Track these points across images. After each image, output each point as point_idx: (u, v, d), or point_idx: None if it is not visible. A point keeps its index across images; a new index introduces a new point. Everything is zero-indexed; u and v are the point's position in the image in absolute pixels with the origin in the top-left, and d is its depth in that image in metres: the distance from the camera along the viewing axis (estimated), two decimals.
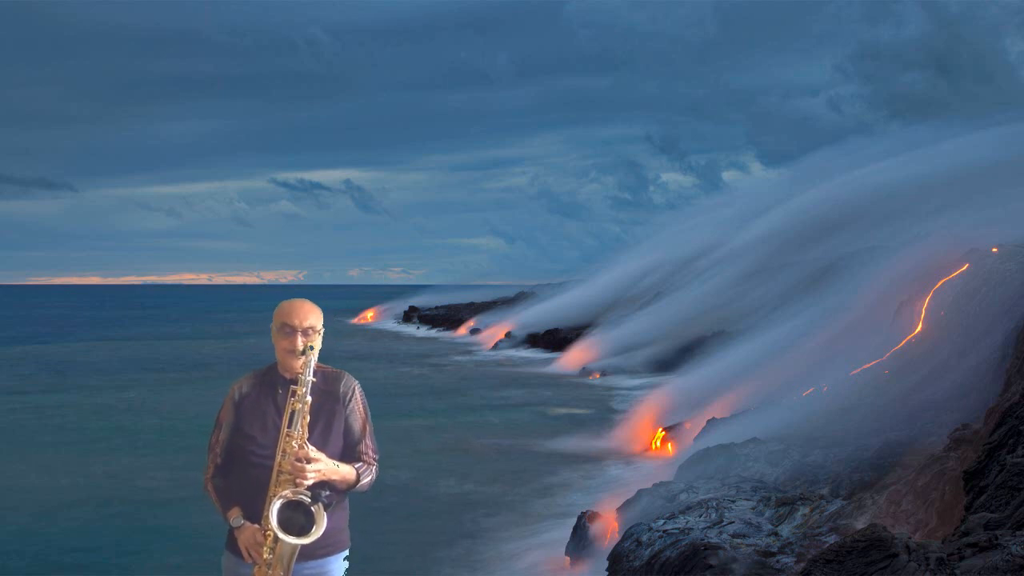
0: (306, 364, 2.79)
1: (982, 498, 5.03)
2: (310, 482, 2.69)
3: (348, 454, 2.93)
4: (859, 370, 10.56)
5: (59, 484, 9.88)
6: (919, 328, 10.41)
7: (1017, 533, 4.14)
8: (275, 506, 2.63)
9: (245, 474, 2.83)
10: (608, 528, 7.05)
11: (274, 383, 2.92)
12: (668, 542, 5.87)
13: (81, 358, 27.54)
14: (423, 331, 43.84)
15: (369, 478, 2.92)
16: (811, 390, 11.46)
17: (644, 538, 6.05)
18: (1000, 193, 14.84)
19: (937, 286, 10.64)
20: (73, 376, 22.19)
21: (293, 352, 2.83)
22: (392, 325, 50.39)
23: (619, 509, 7.42)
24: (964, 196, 16.24)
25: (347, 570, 3.04)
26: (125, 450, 12.11)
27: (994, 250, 10.61)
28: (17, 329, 45.66)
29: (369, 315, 59.39)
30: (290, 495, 2.66)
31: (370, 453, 2.96)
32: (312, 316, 2.88)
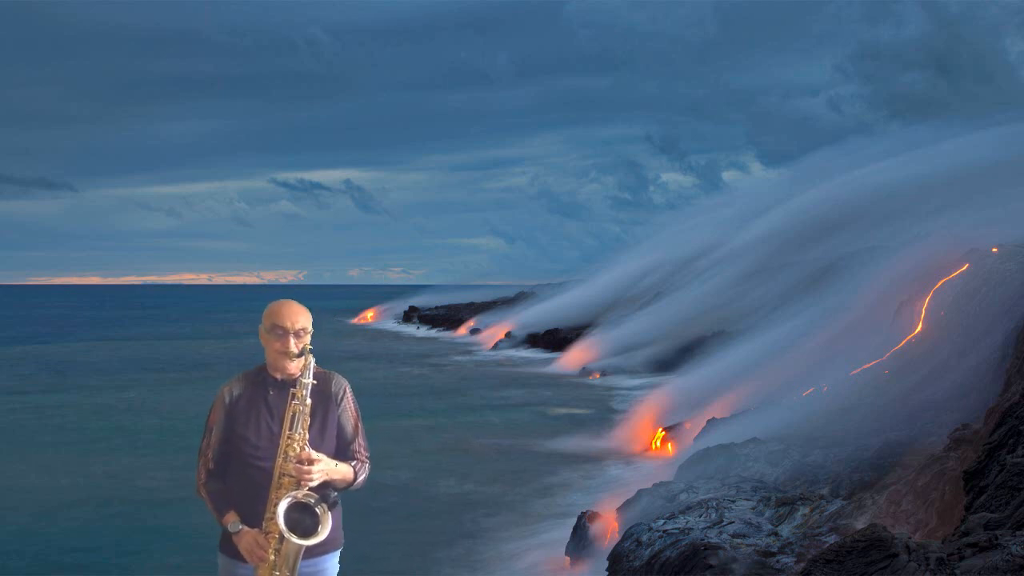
0: (306, 367, 2.79)
1: (982, 498, 5.03)
2: (314, 483, 2.70)
3: (341, 453, 2.94)
4: (859, 370, 10.57)
5: (59, 484, 9.88)
6: (919, 328, 10.42)
7: (1017, 533, 4.14)
8: (282, 507, 2.63)
9: (243, 476, 2.84)
10: (608, 528, 7.06)
11: (265, 384, 2.92)
12: (668, 542, 5.88)
13: (81, 358, 27.54)
14: (423, 331, 43.83)
15: (364, 476, 2.94)
16: (811, 390, 11.47)
17: (644, 538, 6.06)
18: (1000, 193, 14.85)
19: (937, 286, 10.65)
20: (73, 376, 22.19)
21: (286, 354, 2.84)
22: (392, 325, 50.40)
23: (619, 509, 7.42)
24: (964, 196, 16.25)
25: (340, 569, 3.06)
26: (125, 450, 12.11)
27: (994, 250, 10.61)
28: (17, 329, 45.68)
29: (369, 315, 59.42)
30: (298, 496, 2.67)
31: (362, 452, 2.98)
32: (303, 317, 2.89)
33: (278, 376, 2.90)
